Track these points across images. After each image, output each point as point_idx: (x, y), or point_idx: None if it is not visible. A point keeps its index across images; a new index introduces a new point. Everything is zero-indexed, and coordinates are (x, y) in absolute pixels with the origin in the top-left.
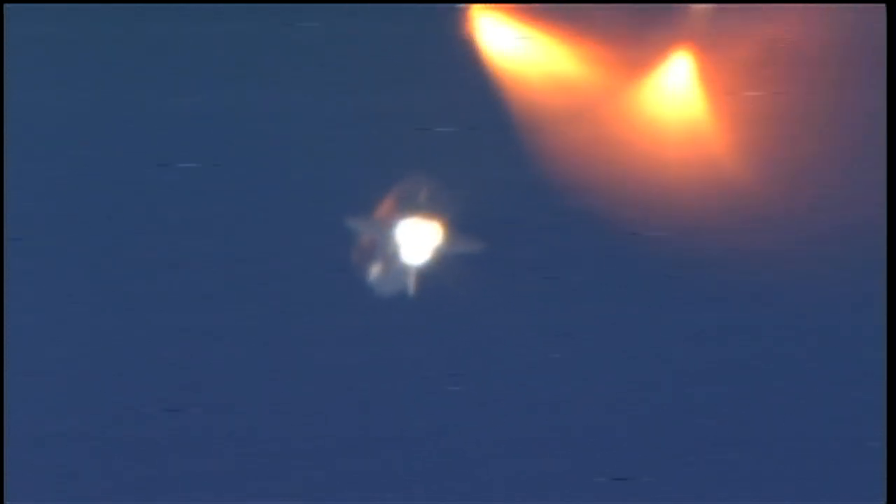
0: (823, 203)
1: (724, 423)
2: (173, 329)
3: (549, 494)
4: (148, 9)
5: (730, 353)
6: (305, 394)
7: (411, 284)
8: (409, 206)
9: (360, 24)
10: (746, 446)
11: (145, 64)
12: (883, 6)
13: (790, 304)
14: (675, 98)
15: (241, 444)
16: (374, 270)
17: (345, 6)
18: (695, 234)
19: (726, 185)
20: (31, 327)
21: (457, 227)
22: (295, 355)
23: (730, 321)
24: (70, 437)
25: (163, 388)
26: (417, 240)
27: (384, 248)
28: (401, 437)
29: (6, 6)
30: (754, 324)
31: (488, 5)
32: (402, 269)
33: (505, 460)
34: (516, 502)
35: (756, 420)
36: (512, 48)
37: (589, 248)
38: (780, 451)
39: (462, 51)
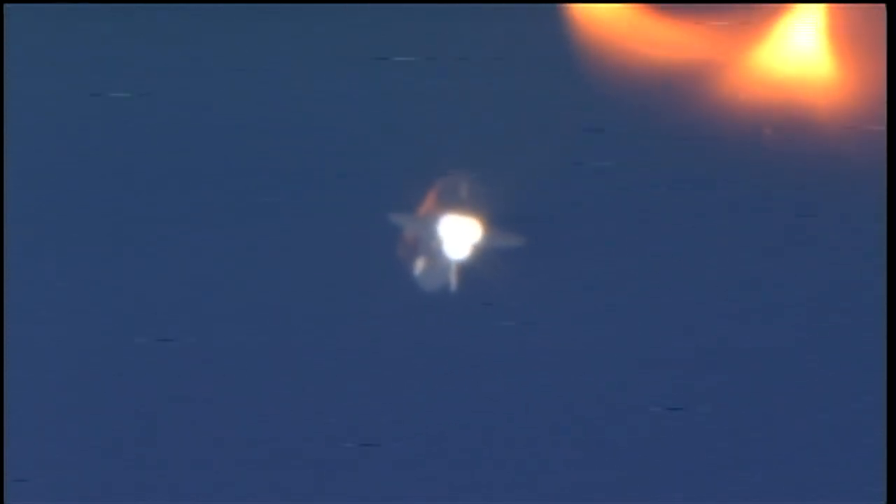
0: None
1: (721, 422)
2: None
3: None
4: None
5: (727, 353)
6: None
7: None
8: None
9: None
10: (745, 446)
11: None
12: (883, 6)
13: (791, 303)
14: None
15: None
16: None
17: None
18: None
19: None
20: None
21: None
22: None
23: (734, 321)
24: (76, 438)
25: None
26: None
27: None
28: (428, 433)
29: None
30: (753, 325)
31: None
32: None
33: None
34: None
35: (755, 420)
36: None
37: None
38: (780, 451)
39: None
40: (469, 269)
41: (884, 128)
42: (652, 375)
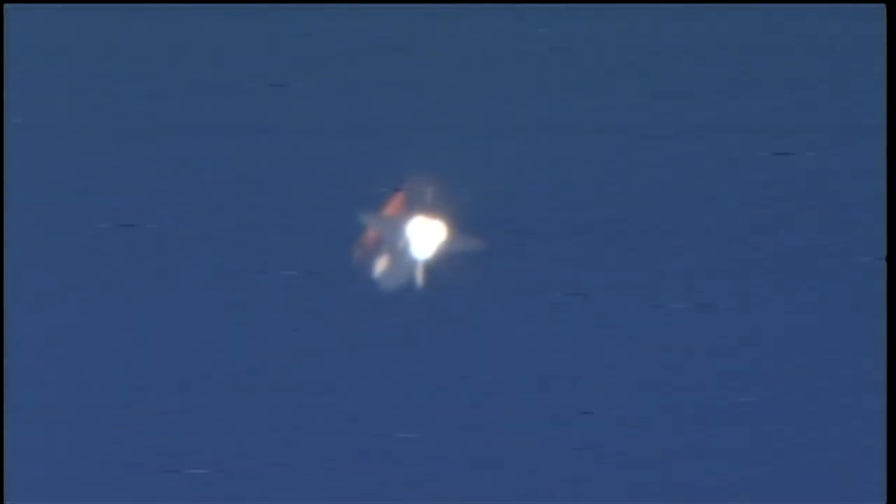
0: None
1: (720, 421)
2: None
3: None
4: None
5: (724, 352)
6: (309, 397)
7: None
8: None
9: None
10: (744, 445)
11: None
12: (883, 6)
13: (790, 304)
14: None
15: (250, 449)
16: None
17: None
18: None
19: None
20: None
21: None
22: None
23: (730, 319)
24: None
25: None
26: None
27: None
28: (402, 438)
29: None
30: (752, 324)
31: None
32: None
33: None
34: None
35: (753, 419)
36: None
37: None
38: (779, 451)
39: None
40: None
41: (883, 128)
42: (653, 376)
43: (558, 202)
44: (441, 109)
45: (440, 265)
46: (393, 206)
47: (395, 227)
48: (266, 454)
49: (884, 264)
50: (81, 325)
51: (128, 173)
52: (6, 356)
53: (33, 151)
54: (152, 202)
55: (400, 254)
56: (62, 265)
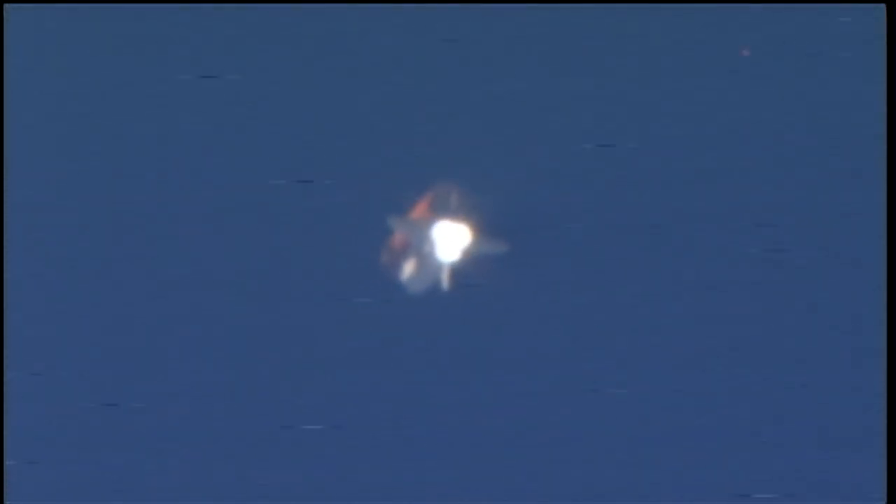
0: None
1: (719, 421)
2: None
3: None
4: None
5: (725, 350)
6: (324, 390)
7: None
8: None
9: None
10: (743, 445)
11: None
12: (883, 6)
13: (789, 301)
14: None
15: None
16: None
17: None
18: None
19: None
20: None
21: None
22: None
23: (727, 316)
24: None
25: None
26: None
27: None
28: (418, 434)
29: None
30: (753, 321)
31: None
32: None
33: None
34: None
35: (753, 418)
36: None
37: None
38: (779, 450)
39: None
40: None
41: (884, 128)
42: (654, 375)
43: (581, 202)
44: (464, 110)
45: (466, 267)
46: (419, 210)
47: (422, 231)
48: (273, 451)
49: (884, 264)
50: (81, 324)
51: (127, 174)
52: (6, 356)
53: (32, 151)
54: (152, 205)
55: (426, 257)
56: (60, 264)
